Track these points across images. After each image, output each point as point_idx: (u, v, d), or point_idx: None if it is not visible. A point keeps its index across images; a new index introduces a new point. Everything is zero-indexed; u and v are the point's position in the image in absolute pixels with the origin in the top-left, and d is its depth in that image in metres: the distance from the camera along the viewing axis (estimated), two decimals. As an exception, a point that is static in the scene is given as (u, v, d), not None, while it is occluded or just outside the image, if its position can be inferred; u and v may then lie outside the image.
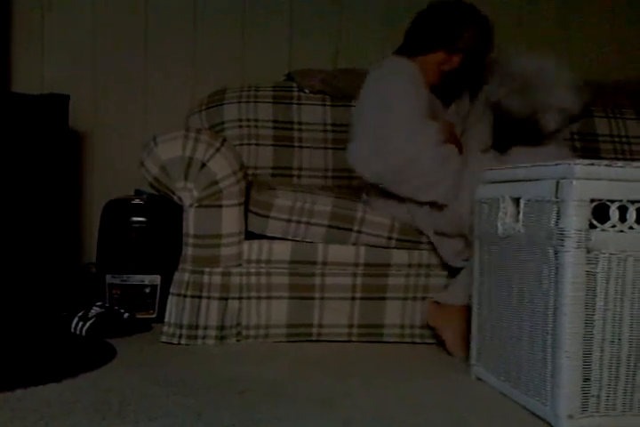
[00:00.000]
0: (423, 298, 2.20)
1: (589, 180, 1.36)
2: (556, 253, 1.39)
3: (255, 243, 2.13)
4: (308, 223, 2.15)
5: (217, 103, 2.78)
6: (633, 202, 1.37)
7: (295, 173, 2.72)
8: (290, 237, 2.15)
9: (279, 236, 2.15)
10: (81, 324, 2.12)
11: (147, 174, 2.10)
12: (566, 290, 1.35)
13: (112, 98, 3.01)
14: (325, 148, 2.75)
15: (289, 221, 2.14)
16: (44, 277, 2.46)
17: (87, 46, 3.00)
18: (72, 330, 2.14)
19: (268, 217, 2.14)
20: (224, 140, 2.14)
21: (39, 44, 2.96)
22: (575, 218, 1.36)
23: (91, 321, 2.12)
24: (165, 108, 3.01)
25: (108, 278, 2.41)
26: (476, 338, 1.78)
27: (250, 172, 2.53)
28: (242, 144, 2.70)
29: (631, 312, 1.37)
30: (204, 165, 2.04)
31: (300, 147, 2.74)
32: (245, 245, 2.12)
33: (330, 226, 2.15)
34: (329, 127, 2.77)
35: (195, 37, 3.06)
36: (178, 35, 3.05)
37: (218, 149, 2.07)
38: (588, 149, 2.74)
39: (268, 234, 2.15)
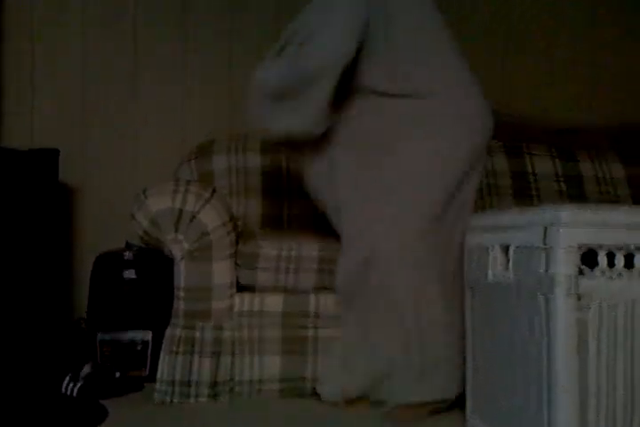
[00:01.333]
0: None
1: (577, 225, 1.36)
2: (546, 300, 1.38)
3: (246, 295, 2.12)
4: (296, 270, 2.14)
5: (206, 153, 2.80)
6: (620, 248, 1.37)
7: (285, 221, 2.72)
8: (281, 286, 2.14)
9: (269, 286, 2.14)
10: (72, 384, 2.08)
11: (137, 227, 2.10)
12: (558, 338, 1.34)
13: (101, 150, 3.02)
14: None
15: (277, 270, 2.13)
16: (34, 335, 2.43)
17: (76, 99, 3.02)
18: (63, 390, 2.10)
19: (255, 268, 2.13)
20: (214, 190, 2.14)
21: (29, 97, 2.99)
22: (564, 264, 1.35)
23: (82, 382, 2.09)
24: (155, 158, 3.02)
25: (99, 336, 2.38)
26: (470, 391, 1.76)
27: (239, 222, 2.52)
28: (231, 194, 2.70)
29: (624, 360, 1.35)
30: (193, 216, 2.04)
31: (290, 195, 2.75)
32: (237, 297, 2.11)
33: (320, 270, 2.14)
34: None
35: (184, 87, 3.08)
36: (166, 85, 3.07)
37: (207, 201, 2.07)
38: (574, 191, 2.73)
39: (259, 285, 2.14)
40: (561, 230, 1.35)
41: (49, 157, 2.68)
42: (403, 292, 1.91)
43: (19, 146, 2.70)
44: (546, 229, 1.39)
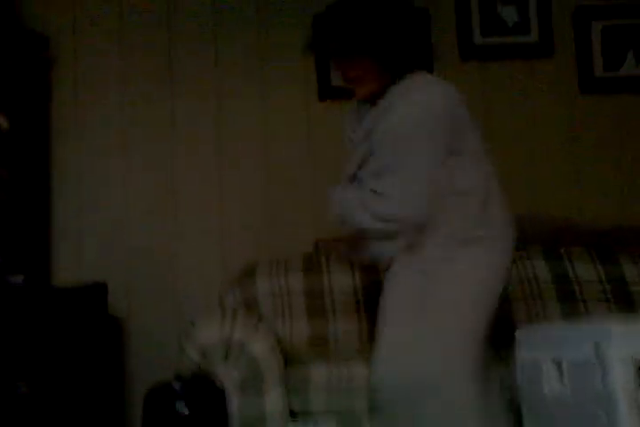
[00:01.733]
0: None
1: (629, 339, 1.36)
2: (607, 415, 1.36)
3: (299, 422, 2.11)
4: (349, 392, 2.13)
5: (249, 278, 2.84)
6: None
7: (332, 341, 2.72)
8: (334, 410, 2.13)
9: (323, 410, 2.13)
10: None
11: (187, 359, 2.13)
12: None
13: (145, 281, 3.11)
14: (358, 311, 2.76)
15: (329, 393, 2.12)
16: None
17: (121, 235, 3.14)
18: None
19: (307, 394, 2.12)
20: (260, 317, 2.18)
21: (76, 235, 3.12)
22: (621, 378, 1.34)
23: None
24: (197, 284, 3.09)
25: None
26: None
27: (287, 344, 2.54)
28: (276, 315, 2.73)
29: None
30: (242, 347, 2.07)
31: (334, 314, 2.76)
32: (290, 425, 2.09)
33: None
34: (360, 292, 2.80)
35: (221, 211, 3.19)
36: (203, 210, 3.19)
37: (255, 329, 2.10)
38: (621, 295, 2.70)
39: (312, 410, 2.13)
40: (613, 345, 1.36)
41: (98, 292, 2.76)
42: None
43: (68, 282, 2.80)
44: (597, 344, 1.39)
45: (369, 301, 2.73)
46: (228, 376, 2.09)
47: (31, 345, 2.53)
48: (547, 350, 1.60)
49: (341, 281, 2.80)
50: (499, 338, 1.91)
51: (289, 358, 2.22)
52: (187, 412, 2.34)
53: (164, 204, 3.18)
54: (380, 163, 1.91)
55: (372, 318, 2.60)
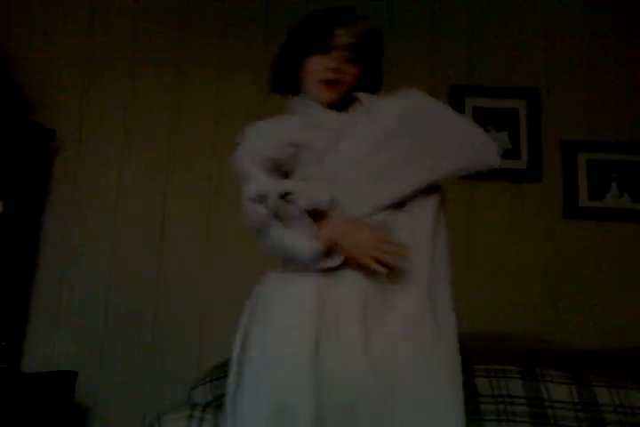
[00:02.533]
0: None
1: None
2: None
3: None
4: None
5: (222, 374, 2.80)
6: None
7: None
8: None
9: None
10: None
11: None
12: None
13: (116, 371, 3.07)
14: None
15: None
16: None
17: (96, 330, 3.14)
18: None
19: None
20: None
21: (54, 324, 3.11)
22: None
23: None
24: (168, 378, 3.06)
25: None
26: None
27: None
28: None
29: None
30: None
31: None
32: None
33: None
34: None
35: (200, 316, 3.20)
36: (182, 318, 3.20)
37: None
38: (592, 419, 2.68)
39: None
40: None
41: (67, 379, 2.72)
42: None
43: (39, 368, 2.77)
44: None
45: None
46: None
47: (-8, 429, 2.47)
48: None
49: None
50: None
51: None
52: None
53: (146, 302, 3.19)
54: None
55: None
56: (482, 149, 2.00)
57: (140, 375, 3.08)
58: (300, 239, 1.80)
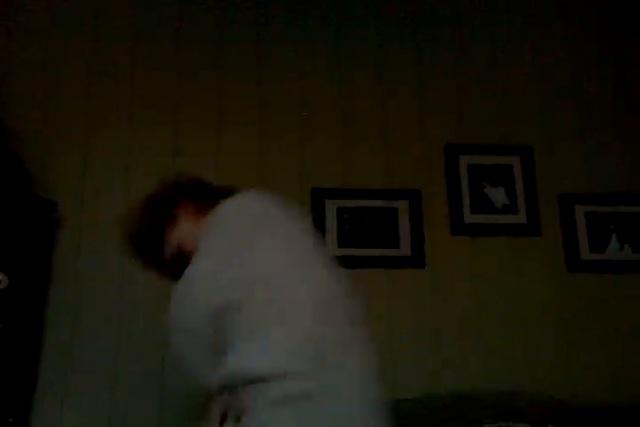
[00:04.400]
0: None
1: None
2: None
3: None
4: None
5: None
6: None
7: None
8: None
9: None
10: None
11: None
12: None
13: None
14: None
15: None
16: None
17: (105, 398, 3.10)
18: None
19: None
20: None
21: (61, 398, 3.07)
22: None
23: None
24: None
25: None
26: None
27: None
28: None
29: None
30: None
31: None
32: None
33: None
34: None
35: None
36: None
37: None
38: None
39: None
40: None
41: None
42: None
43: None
44: None
45: None
46: None
47: None
48: None
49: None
50: None
51: None
52: None
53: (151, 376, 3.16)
54: None
55: None
56: None
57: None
58: None
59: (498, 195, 3.48)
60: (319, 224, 3.32)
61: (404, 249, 3.35)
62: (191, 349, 1.78)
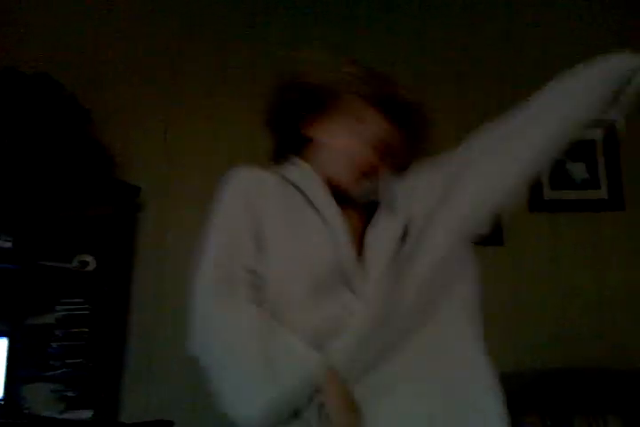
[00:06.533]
0: None
1: None
2: None
3: None
4: None
5: None
6: None
7: None
8: None
9: None
10: None
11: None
12: None
13: (212, 420, 3.06)
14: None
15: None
16: None
17: (191, 374, 3.15)
18: None
19: None
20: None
21: (148, 373, 3.18)
22: None
23: None
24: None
25: None
26: None
27: None
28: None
29: None
30: None
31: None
32: None
33: None
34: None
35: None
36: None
37: None
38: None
39: None
40: None
41: (163, 430, 2.77)
42: None
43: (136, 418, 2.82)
44: None
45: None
46: None
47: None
48: None
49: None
50: None
51: None
52: None
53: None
54: None
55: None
56: None
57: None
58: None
59: (578, 170, 3.40)
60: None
61: (483, 226, 3.31)
62: None
